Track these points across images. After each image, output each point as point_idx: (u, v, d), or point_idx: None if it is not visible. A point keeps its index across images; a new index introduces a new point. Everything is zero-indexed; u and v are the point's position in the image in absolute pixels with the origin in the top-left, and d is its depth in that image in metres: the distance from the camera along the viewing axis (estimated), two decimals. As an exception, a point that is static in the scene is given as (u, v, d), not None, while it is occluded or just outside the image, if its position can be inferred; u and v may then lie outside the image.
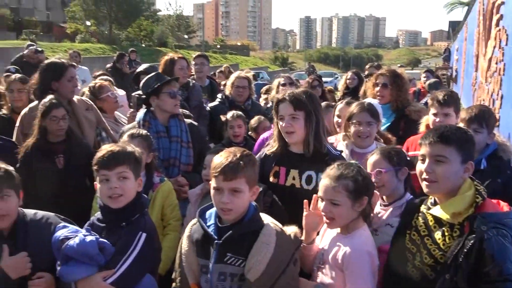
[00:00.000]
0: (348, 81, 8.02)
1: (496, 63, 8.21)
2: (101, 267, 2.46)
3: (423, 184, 2.29)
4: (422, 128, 4.06)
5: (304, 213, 2.65)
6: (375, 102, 4.49)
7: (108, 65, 12.09)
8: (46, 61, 4.82)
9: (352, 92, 7.39)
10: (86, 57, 25.18)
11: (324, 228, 2.68)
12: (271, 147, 3.20)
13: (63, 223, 2.68)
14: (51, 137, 3.99)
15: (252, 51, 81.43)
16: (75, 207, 3.54)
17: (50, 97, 4.08)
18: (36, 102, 4.39)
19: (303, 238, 2.61)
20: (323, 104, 6.01)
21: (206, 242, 2.45)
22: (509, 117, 6.77)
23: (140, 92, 4.65)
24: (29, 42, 11.70)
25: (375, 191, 2.73)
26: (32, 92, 4.63)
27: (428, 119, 3.99)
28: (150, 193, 3.42)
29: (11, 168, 2.73)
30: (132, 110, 5.14)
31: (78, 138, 4.21)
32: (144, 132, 3.69)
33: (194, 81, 5.98)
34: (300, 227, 2.59)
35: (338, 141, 4.25)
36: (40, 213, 2.82)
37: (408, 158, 3.17)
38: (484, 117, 3.39)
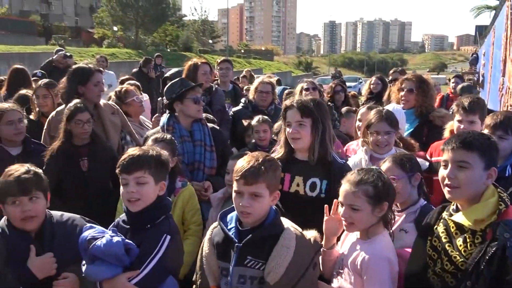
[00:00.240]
0: (372, 86, 7.99)
1: (524, 68, 8.04)
2: (126, 268, 2.51)
3: (445, 190, 2.28)
4: (446, 134, 4.01)
5: (325, 218, 2.66)
6: (399, 107, 4.47)
7: (134, 70, 12.26)
8: (73, 66, 4.94)
9: (376, 97, 7.36)
10: (113, 62, 25.56)
11: (344, 233, 2.69)
12: (277, 153, 3.23)
13: (89, 224, 2.74)
14: (76, 140, 4.09)
15: (276, 55, 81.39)
16: (99, 209, 3.63)
17: (75, 101, 4.18)
18: (63, 106, 4.50)
19: (323, 242, 2.62)
20: (344, 109, 6.04)
21: (226, 245, 2.49)
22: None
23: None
24: (58, 48, 11.94)
25: None
26: (59, 96, 4.75)
27: (452, 125, 3.94)
28: (171, 197, 3.46)
29: (40, 170, 2.81)
30: (157, 114, 5.21)
31: (102, 141, 4.29)
32: (168, 136, 3.74)
33: (217, 86, 6.03)
34: None
35: (359, 146, 4.25)
36: (66, 215, 2.90)
37: (427, 163, 3.15)
38: (509, 124, 3.34)
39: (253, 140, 4.81)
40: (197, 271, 2.68)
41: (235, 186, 2.45)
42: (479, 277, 2.05)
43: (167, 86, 4.37)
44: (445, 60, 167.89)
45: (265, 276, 2.34)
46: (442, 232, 2.32)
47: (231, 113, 5.76)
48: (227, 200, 3.65)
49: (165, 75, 6.35)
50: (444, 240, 2.29)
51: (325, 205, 2.68)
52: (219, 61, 6.73)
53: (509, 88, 10.07)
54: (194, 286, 2.68)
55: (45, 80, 5.60)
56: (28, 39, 34.15)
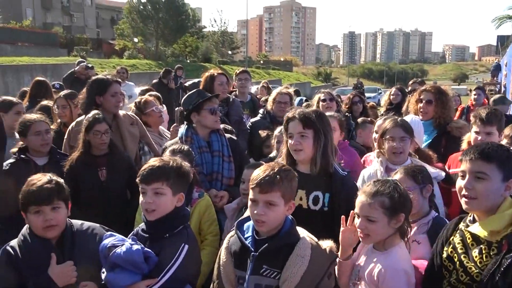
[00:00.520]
0: (392, 96, 7.98)
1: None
2: (145, 276, 2.54)
3: (462, 201, 2.28)
4: (464, 146, 3.99)
5: (341, 229, 2.66)
6: (417, 118, 4.44)
7: (154, 81, 12.41)
8: (93, 77, 5.03)
9: (396, 108, 7.34)
10: (133, 73, 25.91)
11: (360, 244, 2.68)
12: None
13: (110, 232, 2.79)
14: (94, 150, 4.16)
15: (295, 66, 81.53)
16: (117, 218, 3.70)
17: (94, 112, 4.26)
18: (83, 116, 4.58)
19: (339, 253, 2.62)
20: (360, 119, 6.01)
21: (243, 253, 2.52)
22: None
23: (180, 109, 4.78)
24: (79, 59, 12.17)
25: None
26: (79, 106, 4.84)
27: (470, 137, 3.91)
28: (188, 208, 3.49)
29: (61, 180, 2.87)
30: (175, 124, 5.27)
31: (120, 151, 4.35)
32: (186, 147, 3.79)
33: (234, 97, 6.08)
34: None
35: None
36: (86, 223, 2.95)
37: (443, 174, 3.13)
38: None
39: (274, 151, 4.80)
40: (214, 280, 2.71)
41: (250, 195, 2.49)
42: (494, 288, 2.03)
43: (184, 97, 4.43)
44: (466, 70, 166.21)
45: (280, 285, 2.36)
46: (458, 243, 2.31)
47: (249, 123, 5.79)
48: (241, 210, 3.67)
49: (185, 85, 6.43)
50: (460, 251, 2.28)
51: (342, 216, 2.68)
52: (237, 72, 6.79)
53: (530, 99, 9.91)
54: (211, 295, 2.71)
55: (65, 91, 5.71)
56: (50, 50, 34.86)
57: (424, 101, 4.79)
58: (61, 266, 2.69)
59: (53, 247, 2.75)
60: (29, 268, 2.67)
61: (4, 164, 3.86)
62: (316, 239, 2.51)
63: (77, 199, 3.71)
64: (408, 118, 4.25)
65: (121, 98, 4.74)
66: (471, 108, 9.24)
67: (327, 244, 2.53)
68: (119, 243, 2.57)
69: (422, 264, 2.61)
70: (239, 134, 5.19)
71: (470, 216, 2.35)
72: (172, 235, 2.65)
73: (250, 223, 2.56)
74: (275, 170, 2.45)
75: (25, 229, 2.80)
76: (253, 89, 11.00)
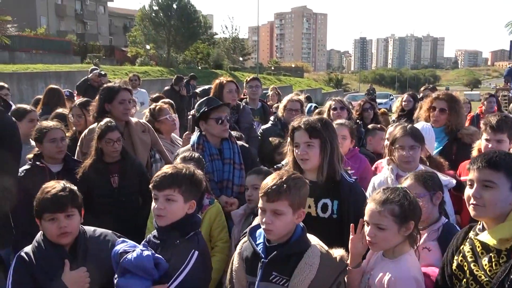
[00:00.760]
0: (404, 103, 7.97)
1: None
2: (155, 282, 2.57)
3: (470, 208, 2.28)
4: (474, 153, 3.96)
5: (351, 237, 2.67)
6: (428, 125, 4.43)
7: (166, 88, 12.49)
8: (104, 85, 5.10)
9: (408, 114, 7.33)
10: (145, 80, 26.12)
11: (370, 251, 2.69)
12: None
13: (122, 239, 2.84)
14: (106, 157, 4.22)
15: (306, 72, 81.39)
16: (129, 225, 3.74)
17: (106, 120, 4.31)
18: (95, 124, 4.64)
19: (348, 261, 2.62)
20: (370, 126, 6.00)
21: (254, 260, 2.54)
22: None
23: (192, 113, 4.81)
24: (93, 67, 12.31)
25: None
26: (91, 114, 4.91)
27: (480, 144, 3.89)
28: (199, 214, 3.52)
29: (74, 187, 2.92)
30: (187, 132, 5.32)
31: (132, 158, 4.40)
32: (196, 155, 3.83)
33: (244, 104, 6.10)
34: None
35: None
36: (99, 230, 2.99)
37: (454, 181, 3.12)
38: None
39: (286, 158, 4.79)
40: (226, 285, 2.75)
41: (259, 203, 2.51)
42: (503, 296, 2.03)
43: (196, 104, 4.47)
44: (479, 76, 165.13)
45: (288, 292, 2.37)
46: (468, 252, 2.31)
47: (260, 130, 5.81)
48: (248, 217, 3.70)
49: (195, 91, 6.47)
50: (470, 260, 2.28)
51: (351, 224, 2.69)
52: (248, 79, 6.82)
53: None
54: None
55: (81, 100, 5.79)
56: (64, 58, 35.25)
57: (437, 109, 4.77)
58: (75, 272, 2.72)
59: (66, 254, 2.79)
60: (43, 274, 2.71)
61: (20, 170, 3.92)
62: (326, 248, 2.53)
63: (89, 206, 3.76)
64: (419, 125, 4.25)
65: (130, 105, 4.76)
66: (481, 116, 9.13)
67: (338, 252, 2.54)
68: (131, 249, 2.61)
69: (433, 271, 2.61)
70: (249, 141, 5.21)
71: (479, 224, 2.35)
72: (183, 241, 2.67)
73: (262, 229, 2.58)
74: (283, 179, 2.46)
75: (39, 236, 2.84)
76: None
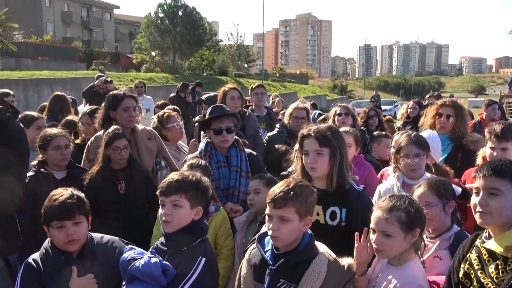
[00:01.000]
0: (409, 110, 7.99)
1: None
2: (163, 288, 2.58)
3: (476, 216, 2.29)
4: (479, 161, 3.98)
5: (355, 245, 2.68)
6: (435, 133, 4.44)
7: (172, 94, 12.53)
8: (110, 92, 5.15)
9: (413, 121, 7.34)
10: (151, 86, 26.15)
11: (376, 259, 2.70)
12: None
13: (130, 245, 2.86)
14: (114, 164, 4.26)
15: (311, 79, 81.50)
16: (135, 230, 3.77)
17: (114, 127, 4.35)
18: (102, 131, 4.67)
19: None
20: (375, 133, 6.01)
21: (262, 267, 2.56)
22: None
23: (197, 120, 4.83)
24: (98, 73, 12.37)
25: None
26: (97, 121, 4.94)
27: (485, 152, 3.90)
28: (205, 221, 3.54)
29: (82, 194, 2.94)
30: (193, 139, 5.35)
31: (139, 165, 4.43)
32: (203, 162, 3.86)
33: (250, 111, 6.13)
34: None
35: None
36: (106, 237, 3.02)
37: (460, 189, 3.11)
38: None
39: (293, 165, 4.79)
40: (235, 290, 2.75)
41: (266, 210, 2.53)
42: (510, 304, 2.03)
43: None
44: (484, 83, 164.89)
45: (296, 300, 2.38)
46: (475, 260, 2.32)
47: (266, 137, 5.83)
48: (251, 223, 3.72)
49: (201, 98, 6.49)
50: (476, 267, 2.29)
51: (356, 233, 2.70)
52: (253, 86, 6.84)
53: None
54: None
55: (91, 108, 5.84)
56: (70, 64, 35.42)
57: (444, 116, 4.79)
58: (82, 278, 2.74)
59: (74, 260, 2.80)
60: (51, 281, 2.73)
61: None
62: (334, 255, 2.54)
63: (96, 212, 3.79)
64: (425, 133, 4.26)
65: (135, 112, 4.77)
66: (483, 122, 9.03)
67: (346, 261, 2.56)
68: (138, 256, 2.64)
69: (443, 280, 2.60)
70: (255, 148, 5.22)
71: (485, 232, 2.35)
72: (190, 248, 2.69)
73: None
74: (290, 186, 2.49)
75: (47, 243, 2.87)
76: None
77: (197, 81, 15.51)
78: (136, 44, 50.00)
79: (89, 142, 4.81)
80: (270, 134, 5.90)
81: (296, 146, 4.51)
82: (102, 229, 3.13)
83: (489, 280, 2.19)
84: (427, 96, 8.76)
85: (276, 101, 10.10)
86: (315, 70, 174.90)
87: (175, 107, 6.92)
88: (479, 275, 2.24)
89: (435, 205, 2.89)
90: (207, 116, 4.41)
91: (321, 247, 2.56)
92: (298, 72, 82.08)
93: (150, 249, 2.79)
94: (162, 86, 32.41)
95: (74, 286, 2.71)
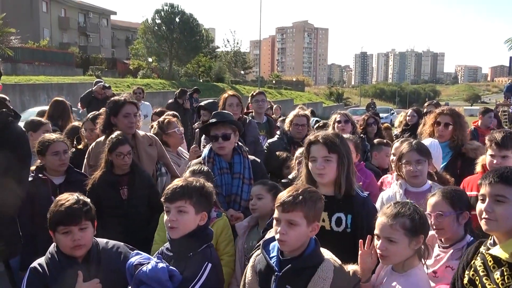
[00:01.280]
0: (407, 117, 8.03)
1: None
2: (169, 294, 2.59)
3: (482, 222, 2.31)
4: (478, 168, 3.99)
5: (359, 252, 2.69)
6: (436, 142, 4.47)
7: (170, 101, 12.55)
8: (111, 98, 5.15)
9: (411, 129, 7.37)
10: (147, 92, 26.13)
11: (380, 265, 2.71)
12: None
13: (136, 251, 2.87)
14: (116, 170, 4.26)
15: (307, 86, 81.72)
16: (138, 235, 3.78)
17: (117, 133, 4.36)
18: (103, 137, 4.68)
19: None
20: (376, 141, 6.04)
21: (268, 273, 2.56)
22: None
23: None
24: (96, 79, 12.37)
25: (434, 233, 2.75)
26: (98, 126, 4.94)
27: (484, 159, 3.92)
28: None
29: (88, 200, 2.95)
30: (194, 145, 5.34)
31: (141, 170, 4.43)
32: (205, 168, 3.88)
33: (250, 118, 6.14)
34: None
35: (394, 180, 4.25)
36: (111, 242, 3.03)
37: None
38: None
39: (294, 172, 4.80)
40: (239, 298, 2.75)
41: (275, 214, 2.55)
42: (516, 310, 2.05)
43: None
44: (479, 91, 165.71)
45: (302, 306, 2.39)
46: (480, 266, 2.33)
47: (266, 144, 5.84)
48: (252, 229, 3.73)
49: (200, 104, 6.50)
50: (481, 274, 2.30)
51: (360, 240, 2.72)
52: (254, 93, 6.85)
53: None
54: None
55: (93, 113, 5.83)
56: (66, 70, 35.43)
57: (442, 124, 4.82)
58: (88, 283, 2.75)
59: (79, 265, 2.81)
60: (56, 286, 2.73)
61: None
62: (339, 262, 2.55)
63: (98, 217, 3.78)
64: (427, 141, 4.28)
65: (135, 119, 4.77)
66: (479, 130, 9.01)
67: (351, 267, 2.57)
68: (145, 261, 2.65)
69: None
70: (255, 155, 5.22)
71: (490, 239, 2.37)
72: (196, 253, 2.71)
73: (276, 243, 2.60)
74: (299, 191, 2.51)
75: (52, 247, 2.87)
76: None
77: (195, 87, 15.55)
78: (133, 50, 50.04)
79: (90, 147, 4.81)
80: (270, 141, 5.91)
81: (297, 153, 4.56)
82: (104, 234, 3.14)
83: (495, 286, 2.20)
84: (425, 104, 8.79)
85: (274, 108, 10.13)
86: (311, 77, 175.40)
87: (175, 112, 6.93)
88: (485, 281, 2.26)
89: (447, 215, 2.88)
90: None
91: (326, 253, 2.57)
92: (294, 79, 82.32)
93: (156, 254, 2.80)
94: (158, 92, 32.46)
95: None
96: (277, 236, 2.50)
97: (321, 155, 3.03)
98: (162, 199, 2.79)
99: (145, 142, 4.84)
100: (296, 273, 2.46)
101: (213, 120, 4.34)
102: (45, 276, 2.76)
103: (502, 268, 2.20)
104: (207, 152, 4.33)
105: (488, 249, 2.32)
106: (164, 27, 46.46)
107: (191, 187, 2.77)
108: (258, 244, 2.89)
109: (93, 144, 4.80)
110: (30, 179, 4.10)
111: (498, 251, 2.23)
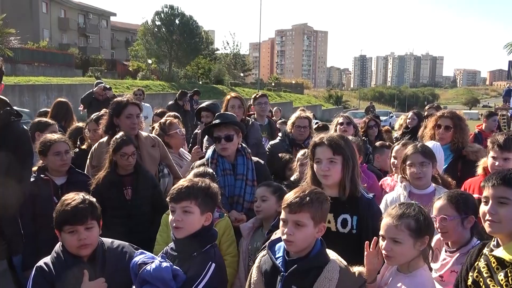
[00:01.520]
0: (408, 120, 8.05)
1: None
2: (173, 293, 2.60)
3: (486, 224, 2.33)
4: (479, 171, 4.00)
5: (365, 253, 2.70)
6: (438, 144, 4.49)
7: (170, 102, 12.58)
8: (114, 99, 5.17)
9: (412, 132, 7.40)
10: (146, 94, 26.17)
11: (385, 266, 2.72)
12: None
13: (140, 250, 2.88)
14: (120, 170, 4.27)
15: (306, 89, 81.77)
16: (141, 235, 3.78)
17: (121, 134, 4.37)
18: (105, 138, 4.69)
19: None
20: (377, 143, 6.07)
21: (273, 273, 2.58)
22: None
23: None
24: (97, 80, 12.40)
25: (440, 237, 2.76)
26: (101, 127, 4.95)
27: (485, 162, 3.94)
28: None
29: (93, 199, 2.96)
30: (196, 146, 5.35)
31: (145, 170, 4.44)
32: (209, 170, 3.90)
33: (253, 120, 6.16)
34: None
35: (394, 182, 4.28)
36: (116, 242, 3.03)
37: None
38: None
39: (296, 173, 4.80)
40: (245, 298, 2.76)
41: (282, 214, 2.56)
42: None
43: None
44: (478, 95, 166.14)
45: (308, 306, 2.40)
46: (483, 268, 2.35)
47: (268, 146, 5.86)
48: (257, 230, 3.74)
49: (200, 106, 6.51)
50: (485, 275, 2.32)
51: (366, 242, 2.73)
52: (257, 96, 6.87)
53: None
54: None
55: (97, 114, 5.85)
56: (66, 71, 35.42)
57: (442, 127, 4.85)
58: (93, 282, 2.76)
59: (84, 264, 2.82)
60: (62, 285, 2.74)
61: None
62: (345, 263, 2.57)
63: (102, 217, 3.79)
64: (429, 144, 4.31)
65: (138, 120, 4.77)
66: (483, 133, 9.07)
67: (357, 268, 2.59)
68: (149, 260, 2.66)
69: None
70: (257, 157, 5.24)
71: (493, 241, 2.39)
72: (200, 253, 2.72)
73: (282, 244, 2.62)
74: (306, 192, 2.53)
75: (58, 247, 2.88)
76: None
77: (195, 89, 15.59)
78: (133, 51, 49.98)
79: (93, 148, 4.82)
80: (272, 142, 5.93)
81: (298, 155, 4.58)
82: (107, 235, 3.14)
83: (499, 287, 2.22)
84: (426, 107, 8.82)
85: (274, 111, 10.16)
86: (311, 80, 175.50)
87: (176, 113, 6.94)
88: (488, 282, 2.27)
89: (451, 219, 2.89)
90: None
91: (332, 254, 2.59)
92: (293, 82, 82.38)
93: (160, 254, 2.82)
94: (158, 94, 32.44)
95: None
96: (284, 237, 2.51)
97: (326, 157, 3.04)
98: (167, 199, 2.80)
99: (148, 143, 4.85)
100: (302, 274, 2.47)
101: (217, 121, 4.36)
102: (51, 275, 2.77)
103: (506, 269, 2.22)
104: (211, 153, 4.34)
105: (492, 250, 2.34)
106: (163, 29, 46.42)
107: (196, 187, 2.79)
108: (264, 245, 2.90)
109: (96, 144, 4.82)
110: (32, 179, 4.11)
111: (502, 253, 2.25)
